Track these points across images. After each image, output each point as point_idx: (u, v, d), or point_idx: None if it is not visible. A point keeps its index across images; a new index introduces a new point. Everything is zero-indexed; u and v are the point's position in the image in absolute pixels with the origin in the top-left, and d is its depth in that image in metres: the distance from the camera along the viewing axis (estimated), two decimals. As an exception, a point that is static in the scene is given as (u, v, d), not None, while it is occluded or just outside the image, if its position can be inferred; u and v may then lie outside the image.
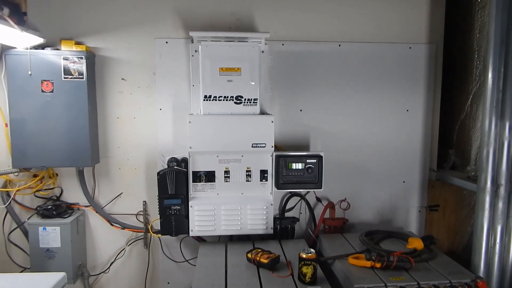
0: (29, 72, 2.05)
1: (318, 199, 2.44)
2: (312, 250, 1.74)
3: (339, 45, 2.37)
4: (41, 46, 2.11)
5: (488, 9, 2.14)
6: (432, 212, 2.54)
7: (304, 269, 1.71)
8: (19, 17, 1.95)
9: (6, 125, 2.16)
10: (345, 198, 2.44)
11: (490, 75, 1.92)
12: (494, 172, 1.91)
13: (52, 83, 2.08)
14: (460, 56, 2.46)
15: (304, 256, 1.71)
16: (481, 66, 2.27)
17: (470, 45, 2.36)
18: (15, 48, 2.05)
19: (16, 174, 2.22)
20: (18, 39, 1.97)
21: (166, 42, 2.26)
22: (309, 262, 1.71)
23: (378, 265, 1.82)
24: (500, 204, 1.91)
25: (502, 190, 1.90)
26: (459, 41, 2.46)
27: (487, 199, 1.92)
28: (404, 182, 2.50)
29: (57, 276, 1.70)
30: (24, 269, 2.28)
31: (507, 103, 1.90)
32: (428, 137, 2.49)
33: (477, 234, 1.97)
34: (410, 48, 2.42)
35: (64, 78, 2.09)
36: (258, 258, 1.87)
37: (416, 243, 2.02)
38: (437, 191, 2.52)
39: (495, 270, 1.94)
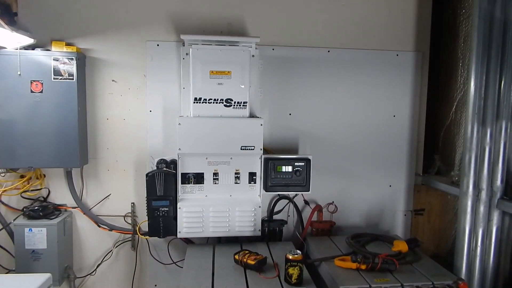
0: (19, 73, 2.04)
1: (306, 202, 2.46)
2: (298, 251, 1.77)
3: (328, 51, 2.42)
4: (31, 47, 2.10)
5: (471, 19, 2.21)
6: (418, 216, 2.59)
7: (291, 270, 1.73)
8: (10, 17, 1.95)
9: (-6, 124, 2.15)
10: (333, 201, 2.48)
11: (472, 83, 1.98)
12: (476, 177, 1.97)
13: (42, 83, 2.07)
14: (445, 64, 2.53)
15: (290, 257, 1.73)
16: (465, 74, 2.34)
17: (455, 54, 2.42)
18: (4, 48, 2.04)
19: (2, 174, 2.20)
20: (8, 39, 1.96)
21: (158, 45, 2.28)
22: (295, 263, 1.73)
23: (363, 266, 1.85)
24: (482, 208, 1.96)
25: (483, 195, 1.96)
26: (445, 49, 2.53)
27: (469, 203, 1.98)
28: (390, 186, 2.55)
29: (42, 277, 1.69)
30: (8, 271, 2.25)
31: (489, 110, 1.96)
32: (414, 142, 2.55)
33: (460, 237, 2.02)
34: (397, 55, 2.48)
35: (54, 78, 2.08)
36: (245, 260, 1.88)
37: (401, 246, 2.06)
38: (422, 195, 2.57)
39: (476, 272, 1.99)
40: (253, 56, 2.18)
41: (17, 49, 2.02)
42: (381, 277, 1.80)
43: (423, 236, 2.54)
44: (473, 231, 1.99)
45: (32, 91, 2.07)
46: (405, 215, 2.59)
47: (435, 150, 2.59)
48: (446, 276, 1.86)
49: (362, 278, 1.80)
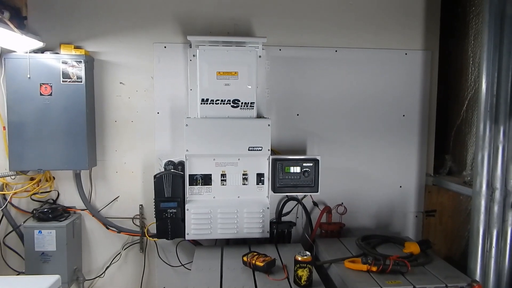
0: (28, 76, 2.06)
1: (315, 203, 2.44)
2: (307, 252, 1.74)
3: (336, 51, 2.40)
4: (41, 50, 2.13)
5: (482, 16, 2.18)
6: (429, 217, 2.54)
7: (300, 272, 1.71)
8: (20, 21, 1.97)
9: (4, 128, 2.17)
10: (342, 203, 2.44)
11: (484, 80, 1.95)
12: (489, 176, 1.93)
13: (51, 86, 2.09)
14: (455, 63, 2.49)
15: (299, 258, 1.71)
16: (476, 73, 2.30)
17: (465, 52, 2.39)
18: (14, 52, 2.07)
19: (13, 177, 2.22)
20: (18, 43, 1.99)
21: (165, 47, 2.29)
22: (305, 265, 1.70)
23: (374, 268, 1.81)
24: (496, 208, 1.91)
25: (497, 194, 1.91)
26: (455, 48, 2.50)
27: (483, 203, 1.93)
28: (400, 187, 2.51)
29: (51, 279, 1.68)
30: (19, 273, 2.26)
31: (501, 108, 1.92)
32: (424, 142, 2.51)
33: (473, 238, 1.97)
34: (406, 54, 2.45)
35: (63, 81, 2.10)
36: (253, 262, 1.86)
37: (413, 248, 2.02)
38: (434, 196, 2.52)
39: (491, 274, 1.94)
40: (260, 56, 2.17)
41: (26, 52, 2.05)
42: (393, 279, 1.77)
43: (435, 238, 2.48)
44: (487, 232, 1.94)
45: (41, 94, 2.09)
46: (416, 216, 2.54)
47: (446, 150, 2.55)
48: (460, 278, 1.81)
49: (373, 280, 1.77)
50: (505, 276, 1.94)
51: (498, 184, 1.91)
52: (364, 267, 1.83)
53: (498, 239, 1.93)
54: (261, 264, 1.84)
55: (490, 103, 1.92)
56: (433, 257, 2.02)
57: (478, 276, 1.95)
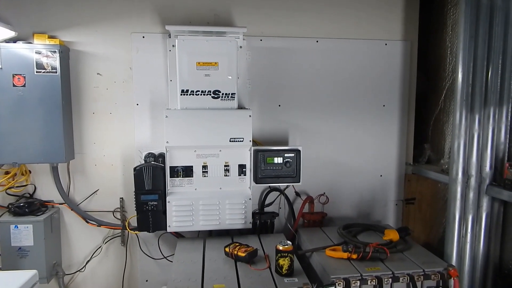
0: (0, 66, 1.99)
1: (297, 194, 2.45)
2: (288, 242, 1.75)
3: (317, 41, 2.40)
4: (13, 40, 2.05)
5: (459, 6, 2.21)
6: (409, 205, 2.59)
7: (281, 261, 1.72)
8: (-11, 9, 1.90)
9: (-24, 120, 2.09)
10: (324, 193, 2.47)
11: (460, 70, 1.98)
12: (465, 164, 1.97)
13: (24, 77, 2.03)
14: (434, 53, 2.52)
15: (280, 248, 1.72)
16: (454, 62, 2.34)
17: (443, 42, 2.42)
18: (-16, 41, 1.99)
19: (-14, 171, 2.15)
20: (-12, 31, 1.91)
21: (143, 37, 2.24)
22: (286, 254, 1.71)
23: (354, 256, 1.84)
24: (471, 195, 1.97)
25: (472, 181, 1.96)
26: (433, 38, 2.53)
27: (459, 189, 1.98)
28: (381, 176, 2.55)
29: (28, 274, 1.64)
30: (-5, 270, 2.21)
31: (477, 97, 1.96)
32: (404, 131, 2.55)
33: (449, 224, 2.03)
34: (386, 44, 2.47)
35: (37, 72, 2.04)
36: (235, 252, 1.87)
37: (392, 235, 2.06)
38: (413, 184, 2.57)
39: (467, 259, 2.00)
40: (240, 47, 2.15)
41: (-3, 42, 1.97)
42: (372, 266, 1.80)
43: (414, 225, 2.54)
44: (463, 217, 1.99)
45: (14, 85, 2.02)
46: (396, 204, 2.59)
47: (425, 139, 2.60)
48: (437, 263, 1.86)
49: (353, 267, 1.80)
50: (480, 260, 2.00)
51: (473, 171, 1.96)
52: (345, 255, 1.86)
53: (473, 224, 1.98)
54: (243, 255, 1.84)
55: (466, 92, 1.96)
56: (412, 243, 2.06)
57: (454, 261, 2.01)
